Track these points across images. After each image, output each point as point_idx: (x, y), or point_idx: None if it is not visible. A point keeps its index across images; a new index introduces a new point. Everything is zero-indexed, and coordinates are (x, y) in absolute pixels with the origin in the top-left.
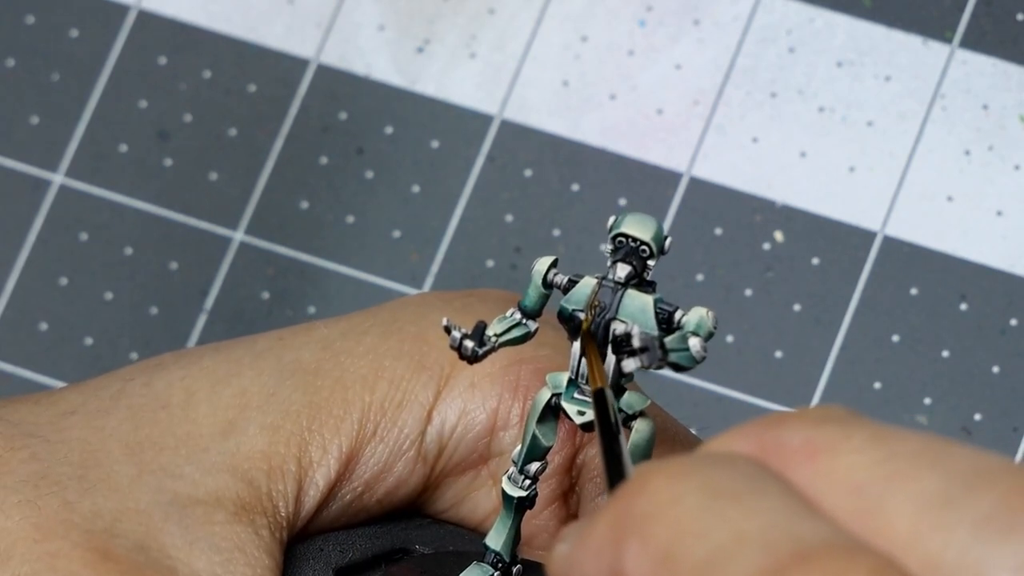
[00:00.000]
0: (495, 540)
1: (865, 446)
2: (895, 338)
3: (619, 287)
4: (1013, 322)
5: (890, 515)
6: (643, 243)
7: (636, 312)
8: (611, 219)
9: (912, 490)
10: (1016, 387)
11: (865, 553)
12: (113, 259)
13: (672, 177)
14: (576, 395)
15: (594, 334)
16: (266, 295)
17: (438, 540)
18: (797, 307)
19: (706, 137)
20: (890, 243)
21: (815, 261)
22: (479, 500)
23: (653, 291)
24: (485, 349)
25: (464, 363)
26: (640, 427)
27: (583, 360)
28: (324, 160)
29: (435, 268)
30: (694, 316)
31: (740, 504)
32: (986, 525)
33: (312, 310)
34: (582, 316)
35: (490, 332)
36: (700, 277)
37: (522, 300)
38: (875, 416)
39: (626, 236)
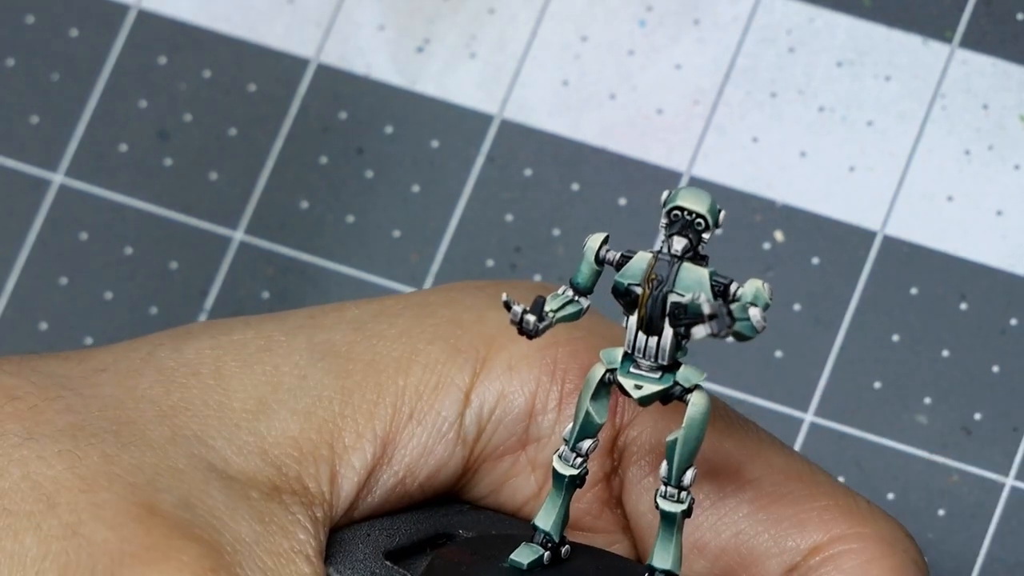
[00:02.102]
0: (544, 520)
1: None
2: (895, 338)
3: (675, 260)
4: (1013, 322)
5: None
6: (698, 216)
7: (693, 284)
8: (664, 194)
9: None
10: (1016, 387)
11: None
12: (113, 259)
13: (672, 177)
14: (632, 369)
15: (649, 298)
16: (266, 295)
17: (480, 525)
18: (797, 307)
19: (706, 137)
20: (890, 243)
21: (815, 261)
22: (518, 486)
23: (706, 264)
24: (544, 324)
25: (499, 346)
26: (696, 400)
27: (639, 334)
28: (324, 160)
29: (435, 268)
30: (750, 288)
31: None
32: None
33: None
34: (639, 290)
35: (546, 308)
36: None
37: (574, 277)
38: (875, 416)
39: (681, 209)
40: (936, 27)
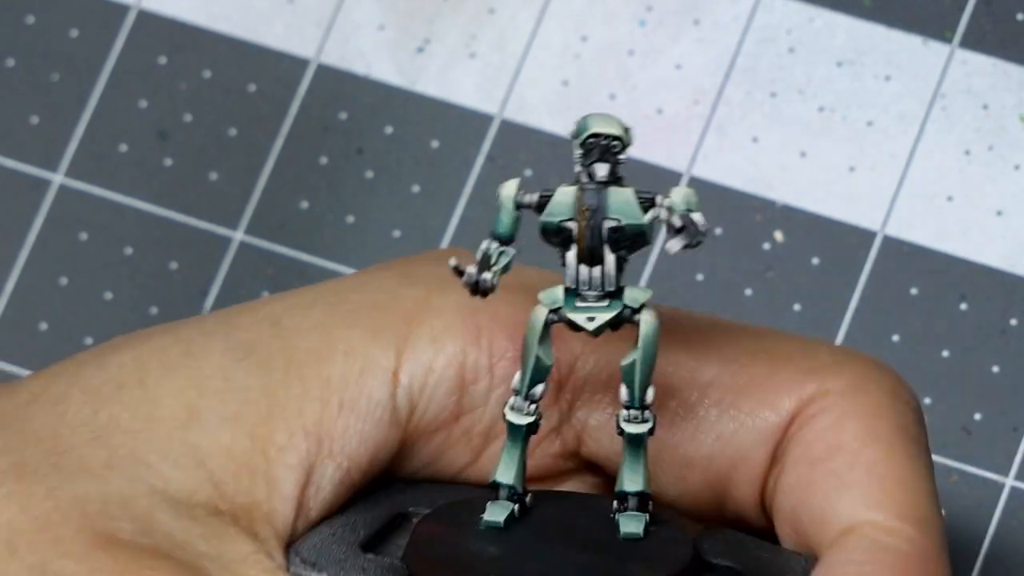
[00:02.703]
0: (506, 474)
1: None
2: (895, 338)
3: (601, 187)
4: (1013, 322)
5: None
6: (614, 138)
7: (623, 206)
8: (574, 126)
9: None
10: (1016, 387)
11: None
12: (113, 259)
13: (672, 177)
14: (578, 303)
15: (586, 228)
16: (266, 295)
17: (427, 497)
18: (797, 307)
19: (706, 137)
20: (890, 243)
21: (815, 261)
22: (454, 456)
23: (623, 182)
24: (495, 279)
25: (419, 321)
26: (647, 318)
27: (581, 267)
28: (324, 160)
29: None
30: (679, 196)
31: None
32: None
33: None
34: (572, 225)
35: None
36: (700, 277)
37: (495, 228)
38: None
39: (597, 135)
40: (936, 27)
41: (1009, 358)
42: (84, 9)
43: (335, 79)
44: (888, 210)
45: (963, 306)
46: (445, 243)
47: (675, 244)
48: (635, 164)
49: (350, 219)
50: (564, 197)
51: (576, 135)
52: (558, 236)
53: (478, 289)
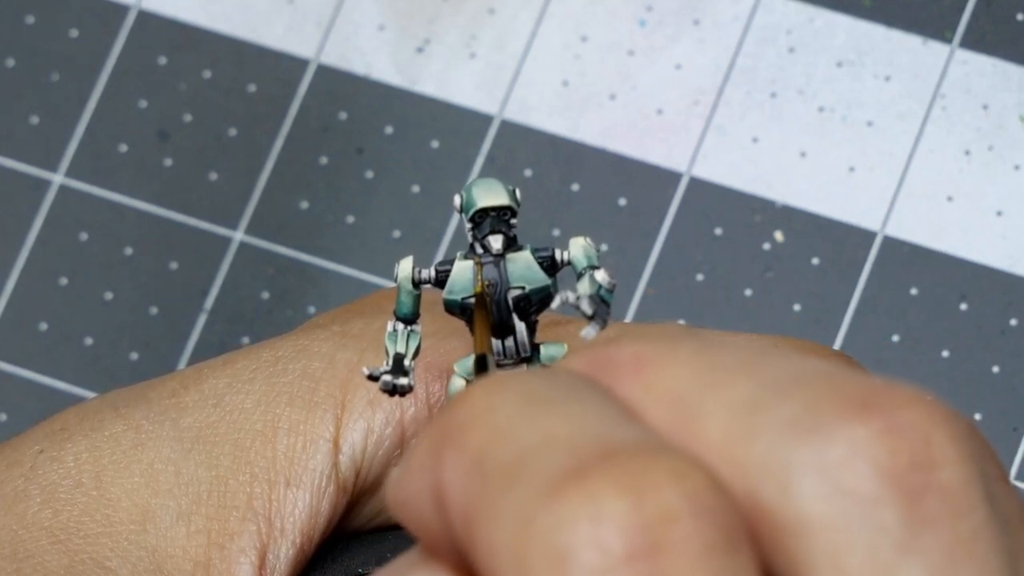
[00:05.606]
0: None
1: (689, 357)
2: (895, 338)
3: (499, 258)
4: (1013, 322)
5: (705, 423)
6: (504, 208)
7: (524, 272)
8: (456, 199)
9: (725, 397)
10: (1016, 387)
11: (670, 454)
12: (113, 259)
13: (672, 177)
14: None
15: (492, 304)
16: (266, 295)
17: (375, 553)
18: (797, 307)
19: (706, 137)
20: (890, 243)
21: (815, 261)
22: None
23: (519, 245)
24: (413, 378)
25: (354, 386)
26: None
27: (492, 340)
28: (324, 160)
29: None
30: (578, 251)
31: (553, 410)
32: (791, 429)
33: (312, 310)
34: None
35: (404, 361)
36: (700, 277)
37: (398, 310)
38: None
39: (485, 209)
40: (936, 27)
41: (1009, 358)
42: (84, 9)
43: (335, 79)
44: (888, 210)
45: (963, 306)
46: (445, 243)
47: (590, 332)
48: (635, 164)
49: (350, 219)
50: (463, 272)
51: (463, 210)
52: (463, 313)
53: (396, 392)
